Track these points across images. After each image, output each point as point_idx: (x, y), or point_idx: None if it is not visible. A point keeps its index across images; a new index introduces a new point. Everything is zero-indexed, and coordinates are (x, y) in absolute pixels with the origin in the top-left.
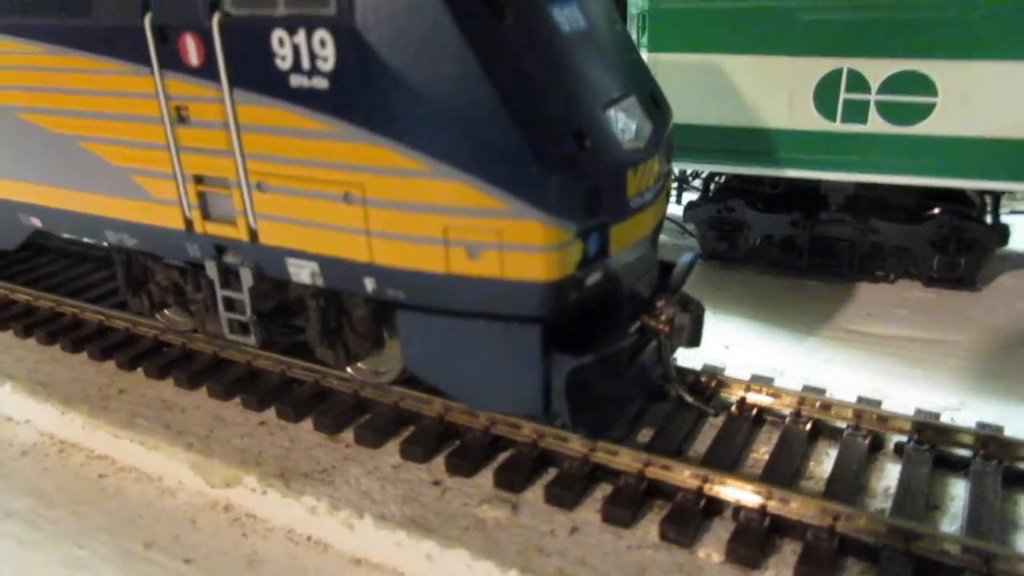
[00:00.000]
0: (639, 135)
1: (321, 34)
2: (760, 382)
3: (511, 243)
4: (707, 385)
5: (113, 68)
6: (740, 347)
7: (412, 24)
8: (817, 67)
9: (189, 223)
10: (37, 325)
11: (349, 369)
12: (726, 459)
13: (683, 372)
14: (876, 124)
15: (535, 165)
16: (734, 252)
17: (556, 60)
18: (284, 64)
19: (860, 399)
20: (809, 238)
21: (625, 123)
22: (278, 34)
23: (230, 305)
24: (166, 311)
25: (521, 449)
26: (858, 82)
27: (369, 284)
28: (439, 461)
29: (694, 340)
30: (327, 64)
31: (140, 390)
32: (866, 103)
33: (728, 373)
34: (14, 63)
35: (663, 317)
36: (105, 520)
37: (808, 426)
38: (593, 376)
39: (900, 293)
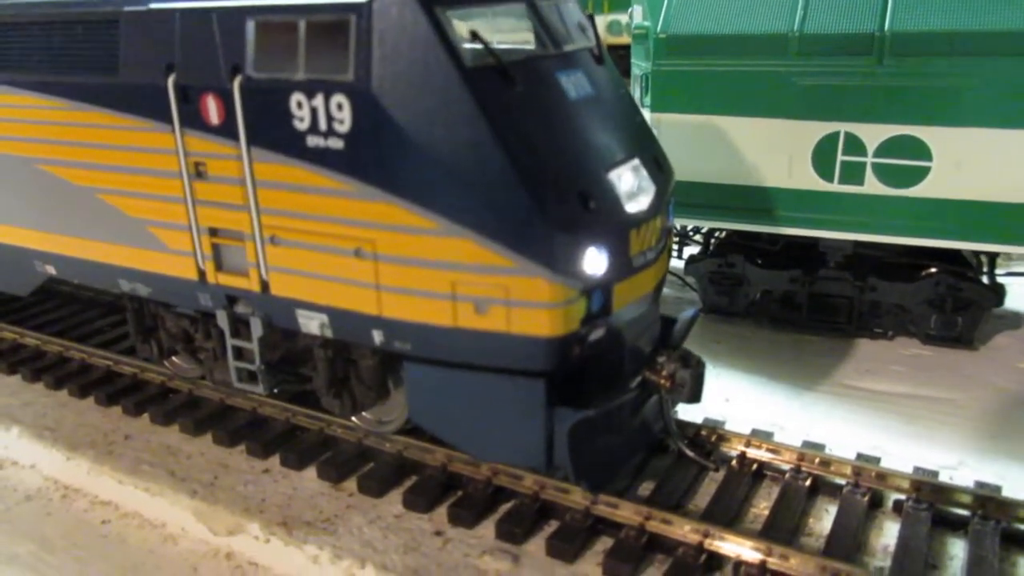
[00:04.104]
0: (642, 196)
1: (338, 98)
2: (760, 437)
3: (517, 299)
4: (707, 439)
5: (134, 124)
6: (740, 400)
7: (426, 90)
8: (815, 130)
9: (202, 274)
10: (45, 370)
11: (354, 418)
12: (726, 514)
13: (684, 426)
14: (873, 186)
15: (541, 225)
16: (734, 306)
17: (562, 125)
18: (302, 125)
19: (859, 456)
20: (808, 294)
21: (628, 185)
22: (297, 97)
23: (239, 354)
24: (174, 358)
25: (523, 500)
26: (855, 145)
27: (377, 336)
28: (441, 511)
29: (694, 396)
30: (343, 126)
31: (145, 436)
32: (863, 165)
33: (728, 427)
34: (35, 117)
35: (664, 372)
36: (106, 567)
37: (808, 482)
38: (596, 430)
39: (898, 350)
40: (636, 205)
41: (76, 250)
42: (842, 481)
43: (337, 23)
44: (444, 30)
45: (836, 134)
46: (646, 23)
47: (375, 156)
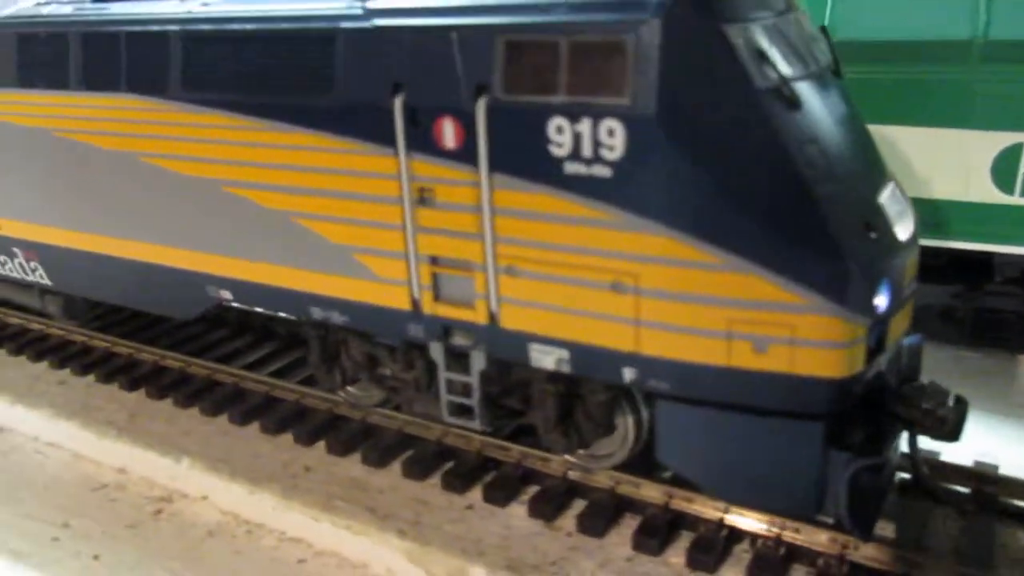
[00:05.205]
0: (905, 221)
1: (610, 123)
2: (988, 470)
3: (805, 338)
4: (931, 472)
5: (346, 147)
6: None
7: (716, 115)
8: (996, 141)
9: (416, 304)
10: (197, 395)
11: (569, 455)
12: (980, 557)
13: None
14: None
15: (838, 260)
16: None
17: (839, 150)
18: (560, 151)
19: None
20: (972, 309)
21: (894, 212)
22: (556, 121)
23: (451, 387)
24: (349, 388)
25: (765, 544)
26: None
27: (628, 373)
28: (673, 553)
29: (956, 434)
30: (613, 153)
31: (326, 468)
32: None
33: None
34: (222, 137)
35: (923, 409)
36: None
37: None
38: (868, 474)
39: None
40: (904, 232)
41: (259, 275)
42: None
43: (610, 43)
44: (734, 49)
45: (1019, 145)
46: None
47: (650, 185)
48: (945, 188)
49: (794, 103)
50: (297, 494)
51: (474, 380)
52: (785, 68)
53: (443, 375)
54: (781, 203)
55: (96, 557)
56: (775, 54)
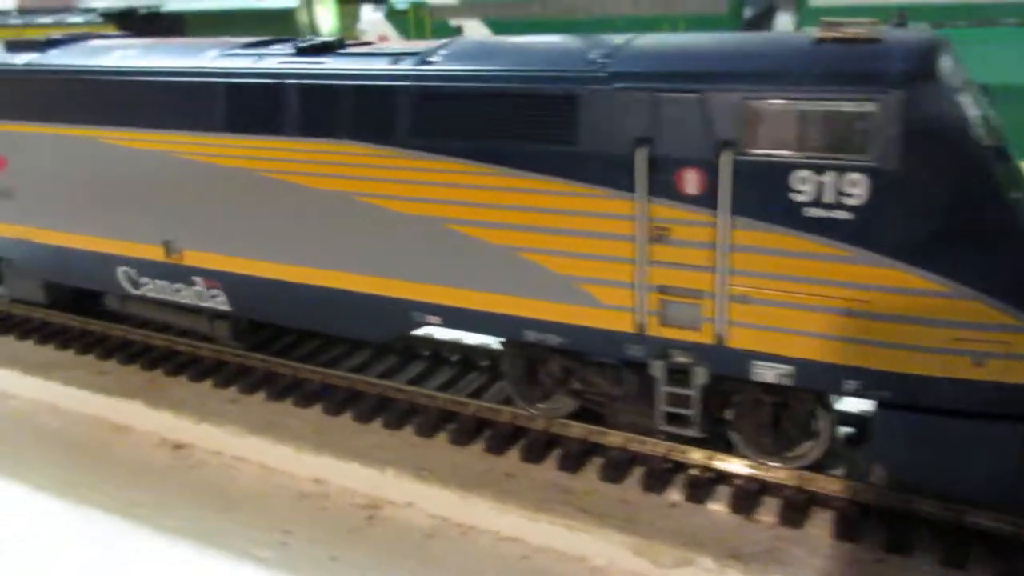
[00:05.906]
0: None
1: (853, 176)
2: None
3: (1019, 353)
4: None
5: (583, 191)
6: None
7: (947, 170)
8: None
9: (640, 327)
10: (378, 411)
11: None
12: None
13: None
14: None
15: None
16: None
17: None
18: (801, 198)
19: None
20: None
21: None
22: (800, 173)
23: (668, 400)
24: (540, 404)
25: (944, 529)
26: None
27: (850, 385)
28: (871, 540)
29: None
30: (853, 199)
31: (525, 473)
32: None
33: None
34: (448, 180)
35: None
36: None
37: None
38: None
39: None
40: None
41: (473, 302)
42: None
43: (857, 111)
44: (961, 113)
45: None
46: None
47: (888, 227)
48: None
49: (1005, 156)
50: (510, 498)
51: (695, 393)
52: (995, 126)
53: (663, 389)
54: (1001, 241)
55: (334, 558)
56: (988, 114)
